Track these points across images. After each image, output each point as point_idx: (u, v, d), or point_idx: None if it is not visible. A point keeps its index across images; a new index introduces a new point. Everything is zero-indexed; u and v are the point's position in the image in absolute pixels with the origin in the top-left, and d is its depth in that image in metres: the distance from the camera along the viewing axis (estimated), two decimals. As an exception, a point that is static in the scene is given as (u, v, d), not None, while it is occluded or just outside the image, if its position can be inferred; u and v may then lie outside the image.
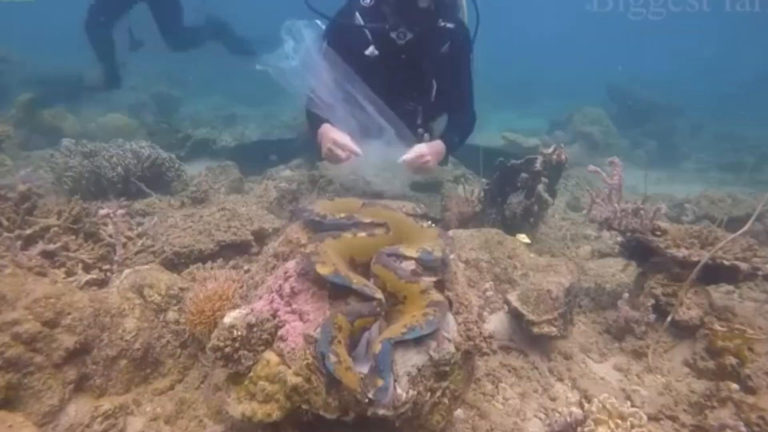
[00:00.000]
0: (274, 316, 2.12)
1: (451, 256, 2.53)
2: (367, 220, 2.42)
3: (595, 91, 19.23)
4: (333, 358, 1.81)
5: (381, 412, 1.80)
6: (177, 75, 21.52)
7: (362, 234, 2.38)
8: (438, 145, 4.48)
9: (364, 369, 1.86)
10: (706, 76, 31.17)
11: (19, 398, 2.36)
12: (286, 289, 2.17)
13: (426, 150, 4.32)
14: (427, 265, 2.27)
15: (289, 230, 2.67)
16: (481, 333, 2.33)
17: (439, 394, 2.07)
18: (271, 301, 2.19)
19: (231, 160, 7.45)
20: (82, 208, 3.77)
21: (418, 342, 1.98)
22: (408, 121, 4.62)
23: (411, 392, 1.88)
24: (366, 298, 2.01)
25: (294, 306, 2.11)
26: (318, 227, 2.52)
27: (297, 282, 2.16)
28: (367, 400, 1.78)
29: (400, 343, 1.92)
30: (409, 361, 1.93)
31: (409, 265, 2.23)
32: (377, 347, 1.84)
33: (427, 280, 2.19)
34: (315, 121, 4.38)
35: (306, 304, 2.08)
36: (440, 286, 2.26)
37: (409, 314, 2.03)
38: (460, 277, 2.52)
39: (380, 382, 1.80)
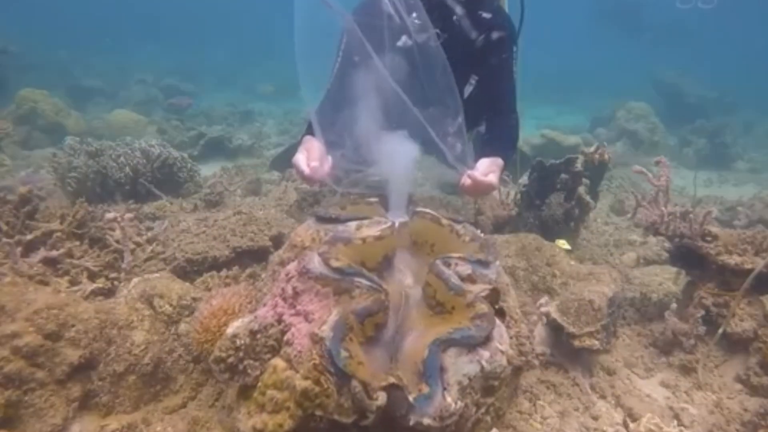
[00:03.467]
0: (279, 321, 2.12)
1: (500, 266, 2.53)
2: (376, 224, 2.43)
3: (640, 85, 19.19)
4: (344, 353, 1.81)
5: (426, 421, 1.78)
6: (189, 68, 21.66)
7: (371, 233, 2.37)
8: (498, 161, 3.78)
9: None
10: (761, 69, 31.02)
11: (20, 417, 2.36)
12: (289, 290, 2.17)
13: (493, 167, 3.63)
14: (477, 264, 2.27)
15: (293, 235, 2.67)
16: (533, 349, 2.32)
17: (483, 410, 2.06)
18: (275, 306, 2.19)
19: (276, 170, 7.51)
20: (87, 211, 3.77)
21: (471, 350, 1.98)
22: (439, 122, 4.41)
23: (460, 403, 1.87)
24: (372, 290, 2.03)
25: (298, 307, 2.11)
26: (333, 222, 2.54)
27: (299, 282, 2.16)
28: (403, 403, 1.77)
29: (452, 347, 1.94)
30: (461, 369, 1.92)
31: (465, 270, 2.23)
32: (424, 352, 1.84)
33: (479, 289, 2.18)
34: (306, 131, 4.01)
35: (310, 304, 2.09)
36: (495, 294, 2.25)
37: (456, 322, 2.04)
38: (511, 290, 2.52)
39: (425, 389, 1.79)
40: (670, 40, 29.65)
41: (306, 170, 3.34)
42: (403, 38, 3.88)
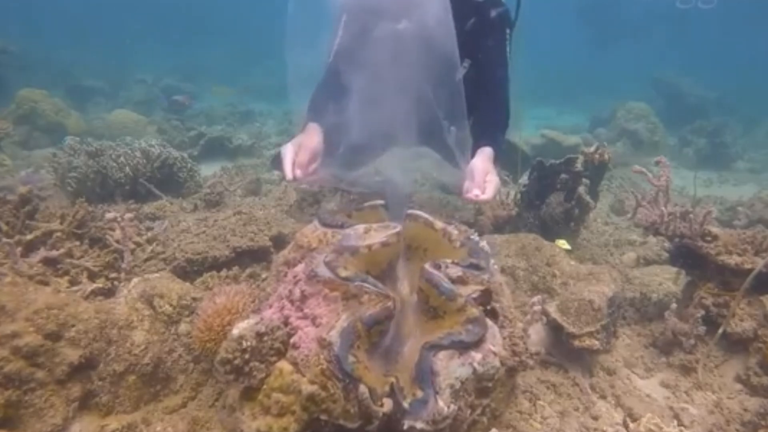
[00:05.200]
0: (286, 323, 2.13)
1: (495, 266, 2.52)
2: (383, 228, 2.42)
3: (640, 85, 19.24)
4: (352, 359, 1.83)
5: (419, 426, 1.80)
6: (189, 68, 21.64)
7: (377, 241, 2.36)
8: (489, 154, 3.69)
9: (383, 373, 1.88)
10: (761, 69, 31.01)
11: (20, 417, 2.35)
12: (296, 293, 2.19)
13: (487, 167, 3.48)
14: (470, 269, 2.28)
15: (299, 235, 2.66)
16: (527, 349, 2.32)
17: (479, 411, 2.08)
18: (282, 308, 2.20)
19: (276, 169, 7.52)
20: (87, 211, 3.76)
21: (463, 353, 1.99)
22: (428, 109, 4.24)
23: (452, 407, 1.88)
24: (381, 296, 2.04)
25: (306, 311, 2.12)
26: (339, 228, 2.53)
27: (307, 285, 2.17)
28: (397, 408, 1.78)
29: (442, 351, 1.95)
30: (453, 372, 1.93)
31: (456, 272, 2.23)
32: (415, 356, 1.85)
33: (470, 291, 2.19)
34: (308, 111, 3.81)
35: (318, 308, 2.09)
36: (487, 294, 2.26)
37: (447, 327, 2.06)
38: (505, 289, 2.51)
39: (419, 393, 1.81)
40: (647, 37, 29.78)
41: (289, 174, 3.25)
42: (404, 22, 3.74)
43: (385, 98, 3.18)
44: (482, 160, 3.49)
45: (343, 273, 2.10)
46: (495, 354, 2.07)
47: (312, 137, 3.42)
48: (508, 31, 4.31)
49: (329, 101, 3.47)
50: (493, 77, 4.29)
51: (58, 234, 3.54)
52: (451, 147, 3.36)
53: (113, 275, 3.49)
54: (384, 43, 3.24)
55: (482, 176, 3.34)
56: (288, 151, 3.31)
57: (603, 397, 3.12)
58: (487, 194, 3.27)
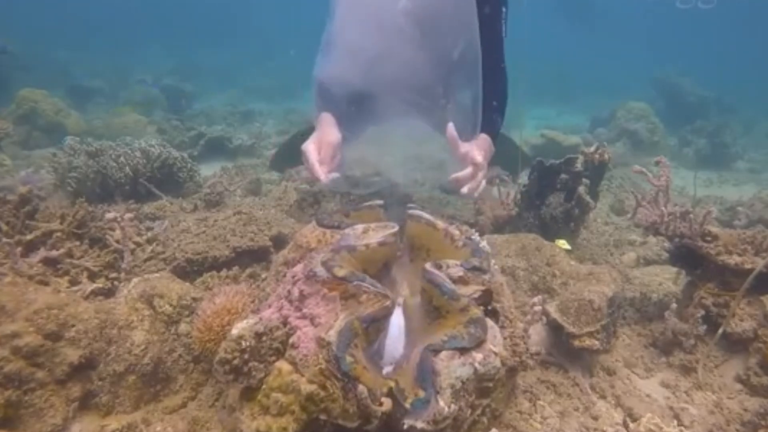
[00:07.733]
0: (285, 323, 2.12)
1: (495, 267, 2.53)
2: (382, 228, 2.42)
3: (640, 85, 19.24)
4: (349, 359, 1.82)
5: (420, 425, 1.79)
6: (189, 69, 21.60)
7: (375, 240, 2.37)
8: (485, 141, 3.65)
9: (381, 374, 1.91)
10: (761, 69, 31.01)
11: (19, 417, 2.35)
12: (295, 293, 2.18)
13: (479, 155, 3.34)
14: (472, 271, 2.28)
15: (299, 235, 2.66)
16: (528, 349, 2.32)
17: (479, 412, 2.07)
18: (281, 308, 2.19)
19: (276, 170, 7.51)
20: (87, 211, 3.76)
21: (464, 353, 1.99)
22: (426, 87, 4.04)
23: (453, 407, 1.88)
24: (379, 295, 2.05)
25: (305, 311, 2.11)
26: (337, 229, 2.53)
27: (306, 285, 2.17)
28: (398, 408, 1.79)
29: (444, 351, 1.95)
30: (453, 372, 1.93)
31: (457, 272, 2.24)
32: (417, 356, 1.87)
33: (471, 291, 2.19)
34: (318, 102, 3.72)
35: (317, 307, 2.09)
36: (488, 295, 2.26)
37: (450, 327, 2.06)
38: (506, 289, 2.51)
39: (421, 393, 1.81)
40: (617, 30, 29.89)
41: (321, 177, 3.15)
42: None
43: (396, 77, 3.16)
44: (476, 146, 3.44)
45: (340, 272, 2.10)
46: (496, 354, 2.06)
47: (329, 131, 3.37)
48: (504, 9, 4.15)
49: (341, 84, 3.49)
50: (490, 54, 3.96)
51: (58, 234, 3.53)
52: (460, 121, 3.32)
53: (113, 275, 3.49)
54: (391, 19, 3.21)
55: (472, 172, 3.25)
56: (310, 153, 3.22)
57: (603, 397, 3.11)
58: (465, 187, 3.19)
